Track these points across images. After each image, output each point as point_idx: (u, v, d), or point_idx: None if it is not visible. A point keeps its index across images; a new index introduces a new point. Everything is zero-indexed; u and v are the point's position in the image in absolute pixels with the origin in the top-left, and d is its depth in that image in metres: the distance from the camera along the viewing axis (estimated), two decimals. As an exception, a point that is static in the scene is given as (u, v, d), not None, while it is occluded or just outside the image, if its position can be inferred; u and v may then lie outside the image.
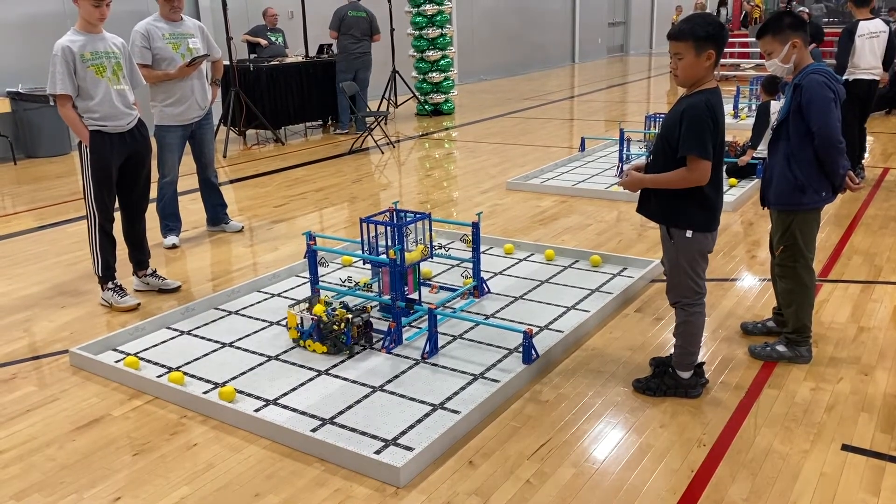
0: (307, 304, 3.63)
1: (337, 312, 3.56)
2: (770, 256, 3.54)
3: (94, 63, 4.07)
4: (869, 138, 7.25)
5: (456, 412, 3.01)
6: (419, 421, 2.98)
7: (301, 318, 3.58)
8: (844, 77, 6.40)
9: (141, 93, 4.49)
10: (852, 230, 5.26)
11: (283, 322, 3.88)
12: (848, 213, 5.61)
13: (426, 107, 11.92)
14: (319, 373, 3.40)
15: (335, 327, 3.51)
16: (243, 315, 4.13)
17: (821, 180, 3.22)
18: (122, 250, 4.42)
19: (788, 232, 3.30)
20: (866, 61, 6.36)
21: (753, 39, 16.43)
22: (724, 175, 6.61)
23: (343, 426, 2.97)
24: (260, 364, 3.53)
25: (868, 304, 4.01)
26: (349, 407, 3.11)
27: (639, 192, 3.06)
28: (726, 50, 16.22)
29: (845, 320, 3.82)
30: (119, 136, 4.18)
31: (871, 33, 6.34)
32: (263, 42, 10.71)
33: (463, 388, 3.23)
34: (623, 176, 3.05)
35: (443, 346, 3.62)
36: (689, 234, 2.94)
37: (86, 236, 4.35)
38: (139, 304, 4.32)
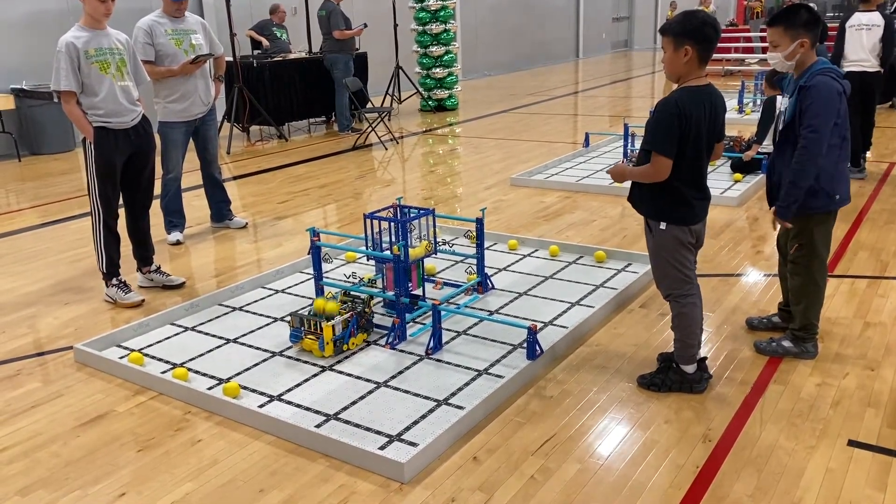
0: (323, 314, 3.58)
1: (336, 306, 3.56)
2: (776, 253, 3.52)
3: (98, 59, 4.07)
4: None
5: (460, 408, 3.01)
6: (423, 417, 2.98)
7: (334, 326, 3.49)
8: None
9: (144, 89, 4.49)
10: (858, 225, 5.24)
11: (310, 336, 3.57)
12: (854, 208, 5.59)
13: (430, 103, 11.91)
14: (324, 369, 3.40)
15: (366, 310, 3.63)
16: (247, 311, 4.13)
17: (833, 183, 3.16)
18: (126, 247, 4.42)
19: (805, 232, 3.25)
20: (854, 53, 6.31)
21: (755, 34, 16.41)
22: (730, 170, 6.67)
23: (347, 422, 2.96)
24: (264, 360, 3.53)
25: (874, 299, 4.00)
26: (353, 403, 3.10)
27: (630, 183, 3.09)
28: (729, 45, 16.09)
29: (851, 315, 3.80)
30: (123, 133, 4.17)
31: (861, 25, 6.28)
32: (265, 43, 10.69)
33: (467, 384, 3.23)
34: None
35: (447, 342, 3.62)
36: (662, 226, 2.97)
37: (90, 233, 4.35)
38: (143, 301, 4.32)
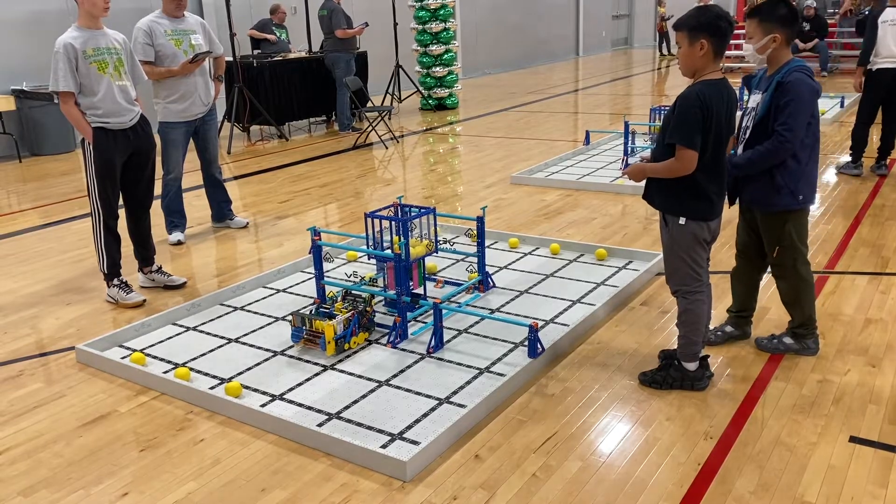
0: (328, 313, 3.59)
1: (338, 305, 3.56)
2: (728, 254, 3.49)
3: (96, 59, 4.07)
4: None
5: (462, 406, 3.01)
6: (425, 415, 2.98)
7: (336, 325, 3.51)
8: (868, 67, 6.30)
9: (144, 90, 4.49)
10: (859, 221, 5.23)
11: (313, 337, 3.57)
12: (855, 204, 5.58)
13: (430, 101, 11.90)
14: (325, 368, 3.40)
15: (367, 309, 3.64)
16: (249, 311, 4.13)
17: (797, 182, 3.13)
18: (127, 247, 4.43)
19: (784, 232, 3.23)
20: (887, 49, 6.23)
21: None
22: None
23: (349, 421, 2.97)
24: (266, 359, 3.53)
25: (875, 295, 3.99)
26: (355, 401, 3.11)
27: (644, 181, 3.07)
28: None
29: (852, 312, 3.80)
30: (122, 133, 4.18)
31: (894, 20, 6.24)
32: (272, 38, 10.69)
33: (469, 382, 3.23)
34: (625, 166, 3.07)
35: (448, 341, 3.62)
36: (682, 221, 2.96)
37: (91, 233, 4.35)
38: (145, 301, 4.33)
